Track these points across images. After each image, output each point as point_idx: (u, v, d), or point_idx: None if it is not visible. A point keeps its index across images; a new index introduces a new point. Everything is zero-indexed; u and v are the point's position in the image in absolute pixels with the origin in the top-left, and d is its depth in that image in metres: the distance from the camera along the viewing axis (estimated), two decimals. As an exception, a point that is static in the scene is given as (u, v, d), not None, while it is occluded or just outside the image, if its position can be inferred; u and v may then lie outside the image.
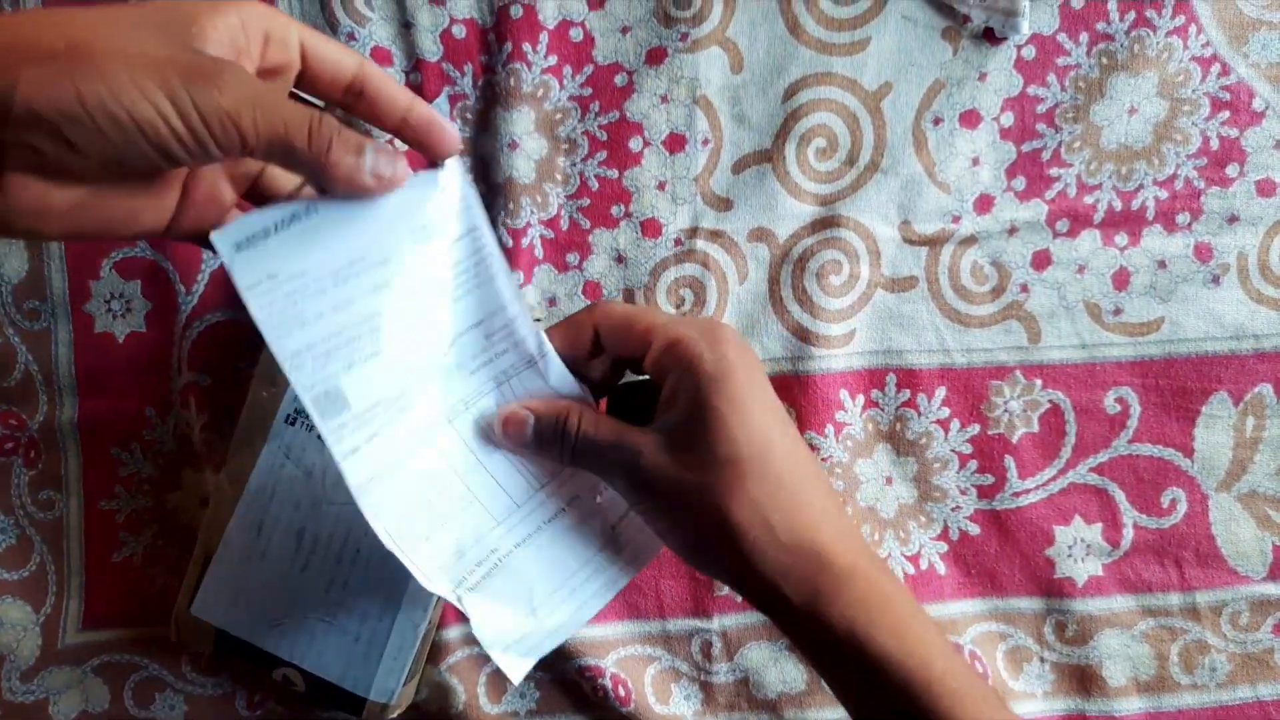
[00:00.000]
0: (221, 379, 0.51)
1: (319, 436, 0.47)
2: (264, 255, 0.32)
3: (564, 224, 0.52)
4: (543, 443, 0.39)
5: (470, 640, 0.52)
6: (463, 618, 0.52)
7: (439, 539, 0.37)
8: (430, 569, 0.37)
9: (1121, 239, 0.53)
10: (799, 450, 0.38)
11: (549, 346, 0.39)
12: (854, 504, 0.53)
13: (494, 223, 0.51)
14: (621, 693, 0.51)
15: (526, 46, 0.50)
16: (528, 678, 0.53)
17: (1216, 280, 0.53)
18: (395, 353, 0.35)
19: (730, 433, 0.36)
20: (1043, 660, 0.54)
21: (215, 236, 0.31)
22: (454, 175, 0.35)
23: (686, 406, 0.36)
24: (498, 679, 0.52)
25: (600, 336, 0.40)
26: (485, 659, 0.52)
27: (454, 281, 0.36)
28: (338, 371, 0.33)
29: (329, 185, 0.32)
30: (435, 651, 0.51)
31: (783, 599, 0.36)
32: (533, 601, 0.38)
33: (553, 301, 0.52)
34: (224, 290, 0.51)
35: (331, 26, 0.50)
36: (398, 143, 0.36)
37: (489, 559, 0.38)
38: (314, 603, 0.47)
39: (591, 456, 0.38)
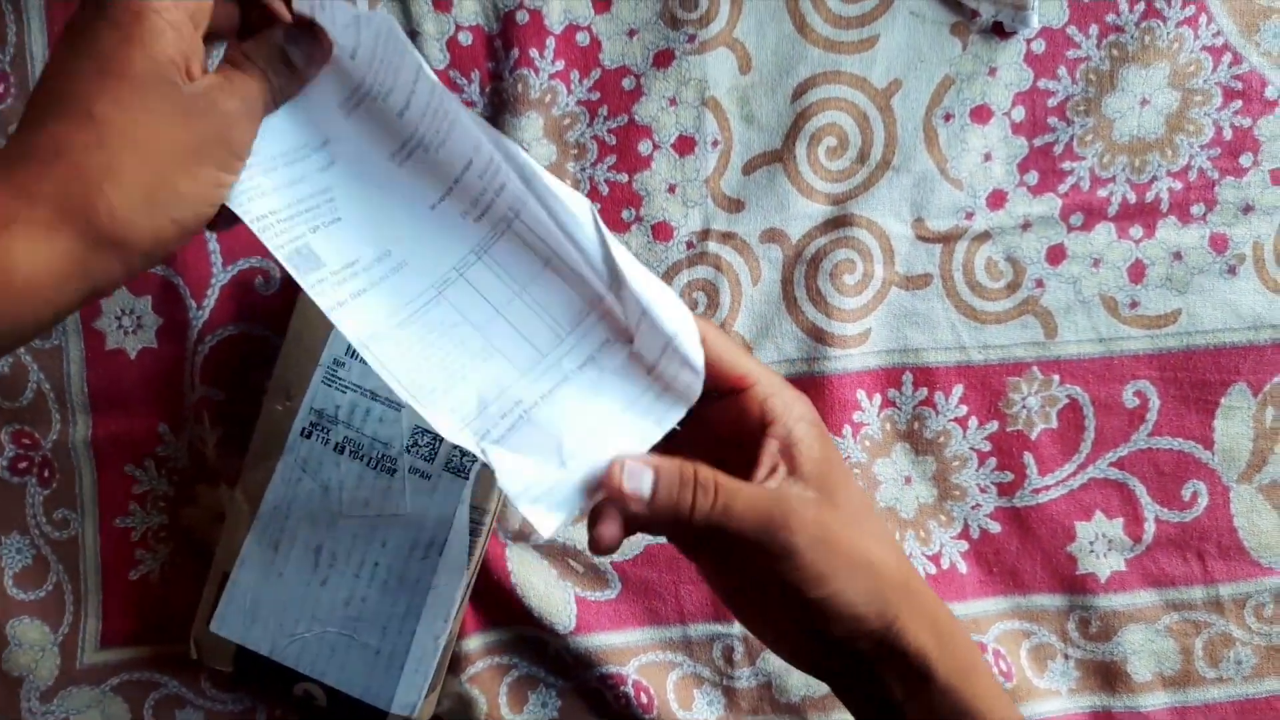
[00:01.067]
0: (235, 393, 0.51)
1: (336, 449, 0.47)
2: None
3: (575, 229, 0.52)
4: (665, 507, 0.34)
5: (490, 650, 0.52)
6: (482, 627, 0.52)
7: (458, 392, 0.36)
8: (451, 422, 0.35)
9: (1136, 231, 0.52)
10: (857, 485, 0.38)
11: (535, 169, 0.36)
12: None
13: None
14: (644, 700, 0.51)
15: (533, 52, 0.50)
16: (548, 686, 0.52)
17: (1233, 271, 0.52)
18: (357, 218, 0.36)
19: (854, 486, 0.36)
20: (1067, 657, 0.53)
21: None
22: (371, 28, 0.34)
23: (813, 458, 0.35)
24: (519, 688, 0.52)
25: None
26: (506, 669, 0.52)
27: (422, 131, 0.36)
28: (304, 232, 0.35)
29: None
30: (455, 662, 0.51)
31: (913, 653, 0.35)
32: (562, 453, 0.36)
33: (565, 307, 0.52)
34: (235, 304, 0.51)
35: (337, 36, 0.49)
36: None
37: (514, 410, 0.36)
38: (333, 617, 0.47)
39: (740, 521, 0.33)
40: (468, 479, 0.47)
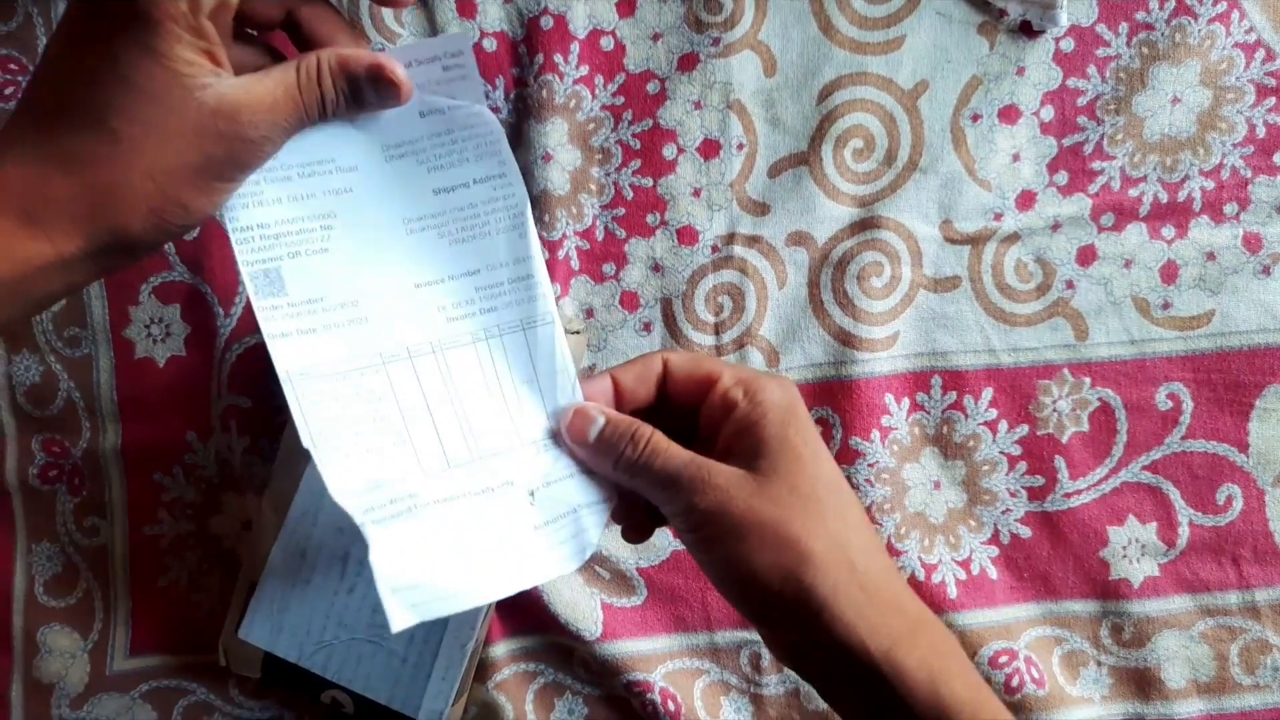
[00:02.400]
0: (262, 401, 0.51)
1: None
2: None
3: (599, 234, 0.52)
4: (604, 448, 0.37)
5: (517, 657, 0.52)
6: (509, 633, 0.51)
7: (360, 462, 0.36)
8: (342, 484, 0.35)
9: (1168, 231, 0.52)
10: (853, 496, 0.38)
11: (550, 320, 0.38)
12: (902, 509, 0.52)
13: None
14: (671, 707, 0.51)
15: (558, 57, 0.50)
16: (574, 693, 0.52)
17: (1267, 271, 0.52)
18: (344, 256, 0.36)
19: (809, 470, 0.36)
20: (1100, 664, 0.52)
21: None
22: (485, 115, 0.37)
23: (763, 440, 0.36)
24: (545, 695, 0.52)
25: (668, 375, 0.39)
26: (533, 676, 0.52)
27: (453, 220, 0.37)
28: (281, 256, 0.35)
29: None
30: (482, 669, 0.51)
31: (855, 646, 0.35)
32: (437, 560, 0.35)
33: (590, 312, 0.52)
34: (261, 311, 0.51)
35: (361, 43, 0.49)
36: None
37: (405, 501, 0.36)
38: (361, 624, 0.47)
39: (653, 475, 0.36)
40: None
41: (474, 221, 0.37)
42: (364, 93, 0.35)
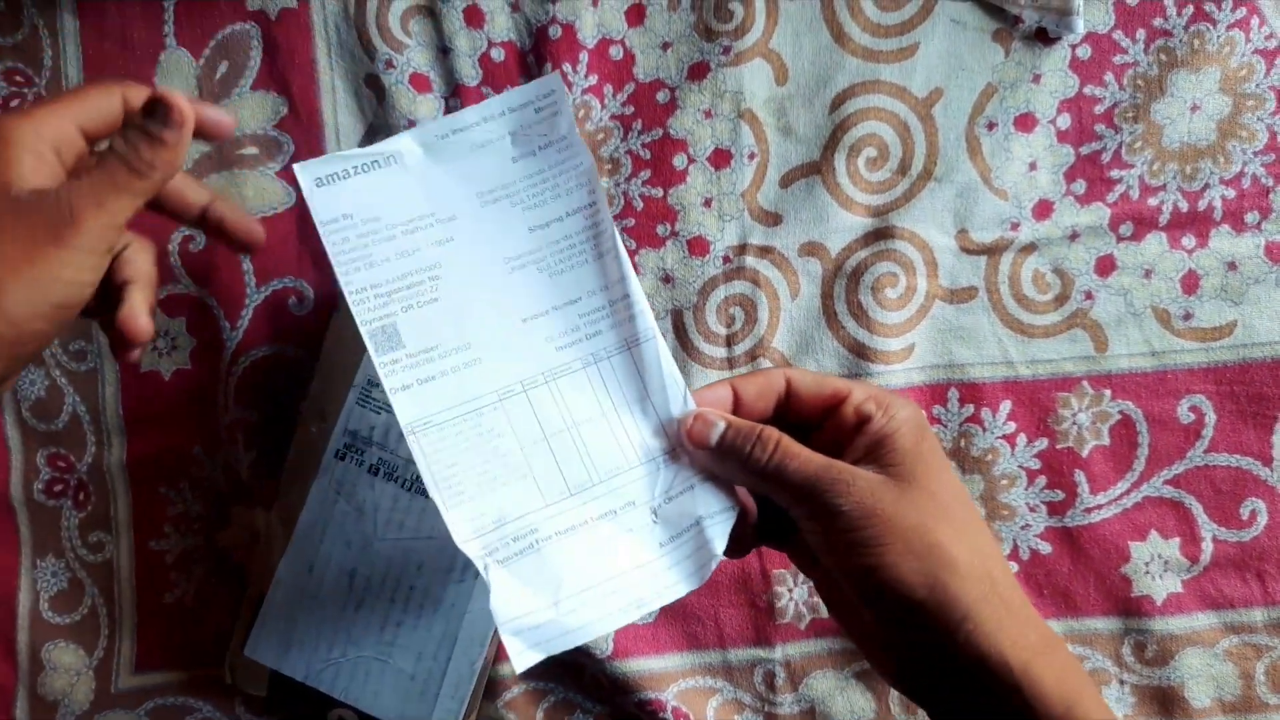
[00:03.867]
0: (269, 414, 0.50)
1: (370, 471, 0.46)
2: (341, 194, 0.36)
3: (609, 245, 0.51)
4: (728, 450, 0.37)
5: (527, 675, 0.51)
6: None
7: (482, 502, 0.37)
8: (465, 530, 0.36)
9: (1189, 241, 0.51)
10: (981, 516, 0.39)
11: (652, 336, 0.39)
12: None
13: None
14: (684, 726, 0.50)
15: (566, 67, 0.49)
16: (585, 712, 0.51)
17: (1290, 280, 0.51)
18: (453, 302, 0.38)
19: (944, 480, 0.36)
20: (1122, 682, 0.51)
21: (298, 168, 0.36)
22: (580, 149, 0.38)
23: (900, 450, 0.36)
24: (556, 714, 0.51)
25: (791, 392, 0.39)
26: (543, 694, 0.51)
27: (551, 254, 0.39)
28: (396, 311, 0.37)
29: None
30: (492, 687, 0.50)
31: (994, 659, 0.34)
32: (559, 594, 0.36)
33: (601, 325, 0.51)
34: (268, 324, 0.50)
35: (368, 54, 0.49)
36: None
37: (527, 537, 0.37)
38: (368, 641, 0.46)
39: (788, 478, 0.35)
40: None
41: (570, 252, 0.39)
42: (150, 126, 0.35)
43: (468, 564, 0.45)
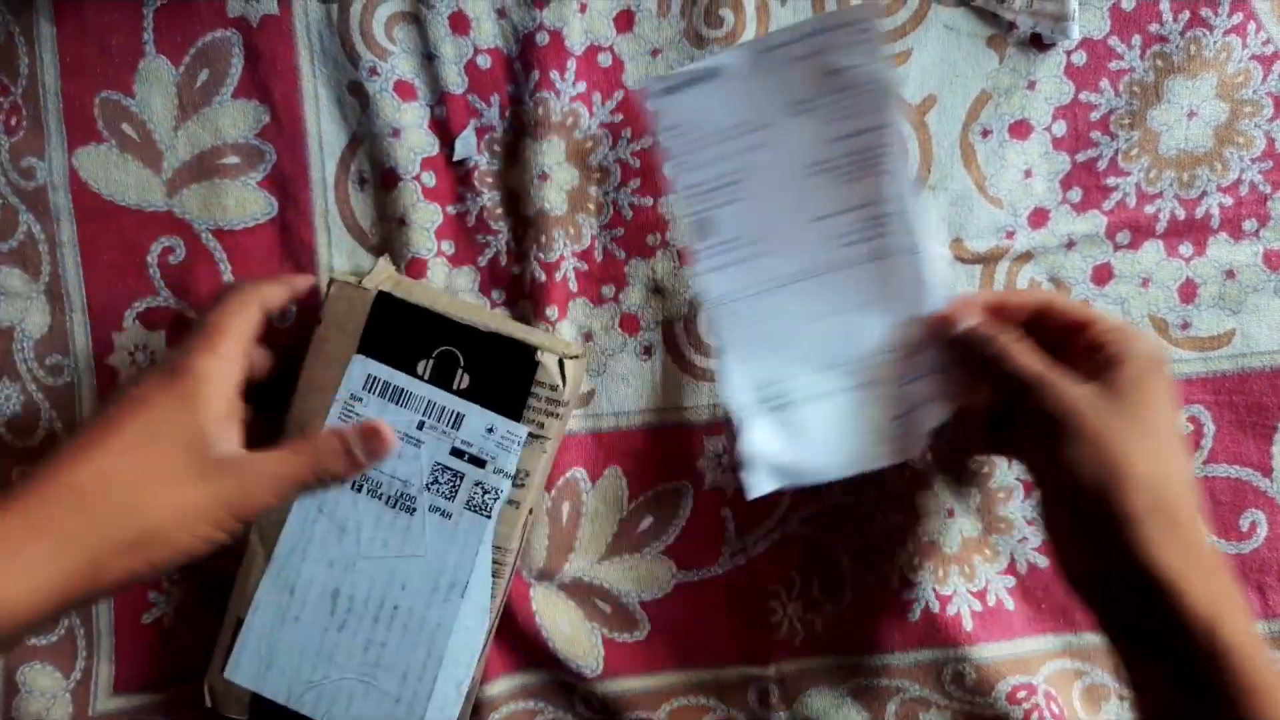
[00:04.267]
0: (249, 430, 0.49)
1: (353, 488, 0.45)
2: (678, 104, 0.44)
3: (598, 255, 0.50)
4: (976, 340, 0.41)
5: (515, 695, 0.50)
6: (507, 670, 0.50)
7: (756, 364, 0.45)
8: (739, 382, 0.45)
9: (1186, 249, 0.50)
10: (1189, 463, 0.42)
11: (922, 248, 0.44)
12: (915, 539, 0.50)
13: (526, 256, 0.49)
14: (676, 746, 0.49)
15: (554, 74, 0.48)
16: (576, 731, 0.50)
17: (1289, 288, 0.50)
18: (757, 200, 0.44)
19: (1155, 413, 0.38)
20: (1122, 698, 0.50)
21: (650, 82, 0.44)
22: (883, 79, 0.43)
23: (1124, 375, 0.38)
24: (545, 734, 0.50)
25: (1050, 310, 0.43)
26: (532, 714, 0.50)
27: (846, 163, 0.44)
28: (712, 206, 0.44)
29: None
30: (479, 708, 0.49)
31: (1177, 606, 0.36)
32: (800, 443, 0.44)
33: (589, 336, 0.50)
34: (250, 337, 0.49)
35: (352, 61, 0.48)
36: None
37: (785, 396, 0.45)
38: (352, 663, 0.45)
39: (1017, 368, 0.39)
40: (490, 518, 0.45)
41: (862, 164, 0.44)
42: (357, 454, 0.42)
43: (453, 582, 0.45)
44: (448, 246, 0.50)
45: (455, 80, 0.49)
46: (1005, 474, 0.50)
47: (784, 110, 0.44)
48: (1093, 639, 0.51)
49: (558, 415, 0.45)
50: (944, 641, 0.50)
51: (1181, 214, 0.50)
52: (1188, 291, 0.50)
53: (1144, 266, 0.50)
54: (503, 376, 0.44)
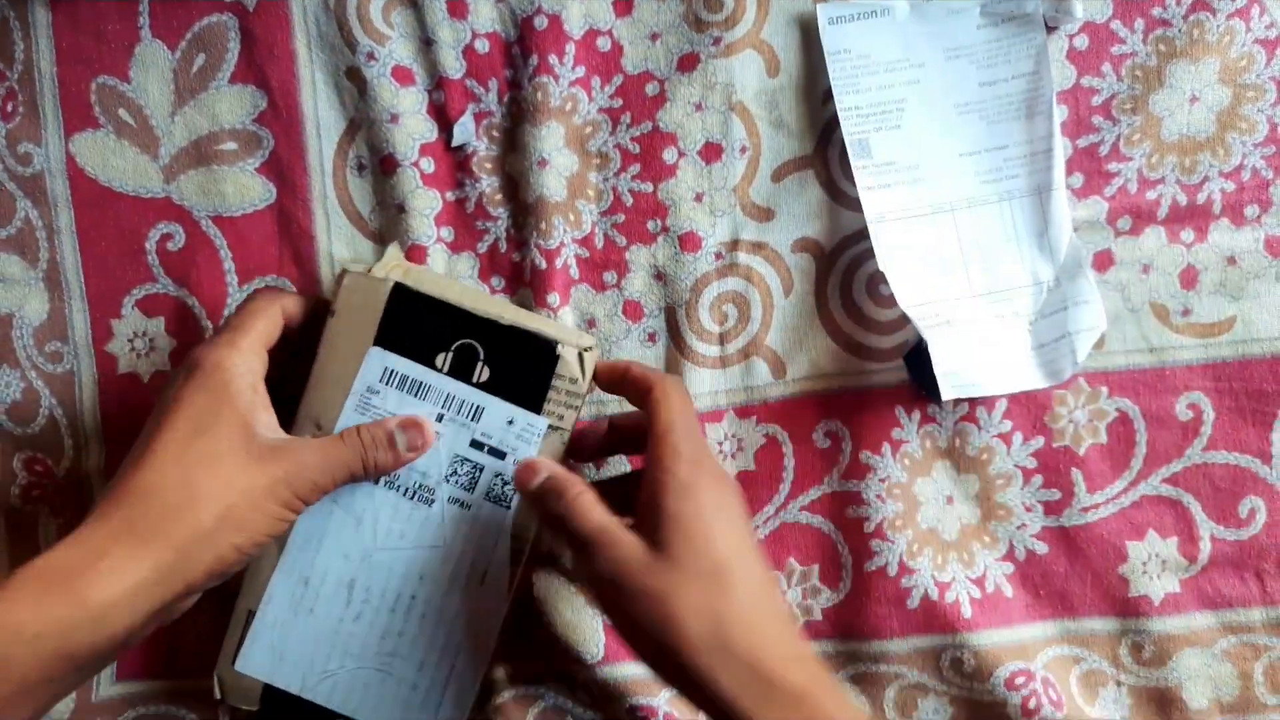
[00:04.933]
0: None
1: (373, 480, 0.44)
2: (844, 33, 0.48)
3: (599, 242, 0.50)
4: (537, 498, 0.41)
5: (516, 680, 0.50)
6: (509, 656, 0.50)
7: (914, 284, 0.48)
8: (905, 296, 0.47)
9: (1187, 235, 0.50)
10: (758, 566, 0.40)
11: (1060, 187, 0.48)
12: (914, 526, 0.50)
13: (526, 243, 0.49)
14: (676, 731, 0.49)
15: (553, 58, 0.48)
16: (575, 717, 0.51)
17: (1290, 275, 0.50)
18: (911, 131, 0.48)
19: (702, 546, 0.38)
20: (1119, 684, 0.51)
21: (821, 8, 0.48)
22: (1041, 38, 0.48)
23: (662, 513, 0.38)
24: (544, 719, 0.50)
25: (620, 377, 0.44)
26: (533, 699, 0.50)
27: (993, 106, 0.48)
28: (870, 130, 0.48)
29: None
30: (481, 693, 0.49)
31: (737, 715, 0.36)
32: (965, 359, 0.47)
33: (592, 322, 0.50)
34: (249, 324, 0.49)
35: (350, 46, 0.48)
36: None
37: (944, 315, 0.48)
38: (368, 652, 0.44)
39: (569, 532, 0.40)
40: (509, 508, 0.44)
41: (1008, 107, 0.48)
42: (400, 446, 0.43)
43: (471, 572, 0.44)
44: (447, 233, 0.49)
45: (453, 65, 0.48)
46: (1004, 461, 0.50)
47: (940, 54, 0.48)
48: (1090, 625, 0.51)
49: (576, 407, 0.44)
50: (943, 628, 0.50)
51: (1183, 200, 0.50)
52: (1189, 278, 0.50)
53: (1145, 253, 0.50)
54: (523, 369, 0.43)
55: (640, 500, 0.40)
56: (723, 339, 0.50)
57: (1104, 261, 0.50)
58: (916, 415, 0.50)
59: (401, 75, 0.48)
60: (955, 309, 0.48)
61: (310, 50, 0.48)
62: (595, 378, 0.44)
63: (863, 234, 0.49)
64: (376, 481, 0.44)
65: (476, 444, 0.44)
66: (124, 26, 0.48)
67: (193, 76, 0.48)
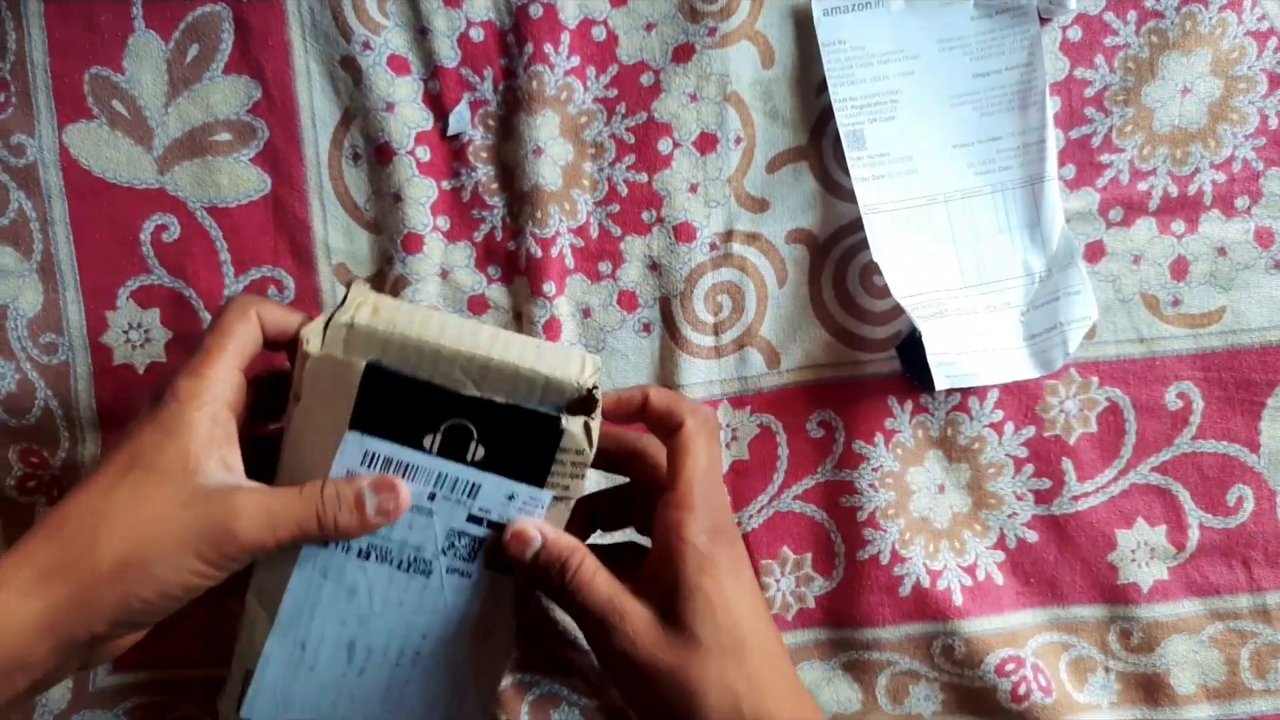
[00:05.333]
0: (252, 406, 0.49)
1: (360, 555, 0.40)
2: (839, 24, 0.48)
3: (594, 231, 0.50)
4: (535, 571, 0.39)
5: (513, 667, 0.50)
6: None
7: (907, 273, 0.48)
8: (899, 287, 0.48)
9: (1178, 226, 0.50)
10: (770, 632, 0.39)
11: (1052, 178, 0.48)
12: (906, 515, 0.51)
13: (521, 232, 0.49)
14: (671, 717, 0.50)
15: (548, 47, 0.48)
16: (571, 705, 0.51)
17: (1279, 266, 0.50)
18: (905, 122, 0.48)
19: (718, 618, 0.37)
20: (1108, 670, 0.51)
21: (815, 2, 0.48)
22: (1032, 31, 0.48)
23: (679, 584, 0.37)
24: (541, 707, 0.51)
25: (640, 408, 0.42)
26: (528, 687, 0.51)
27: (986, 98, 0.49)
28: (864, 121, 0.48)
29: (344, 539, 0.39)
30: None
31: None
32: (958, 349, 0.47)
33: (587, 312, 0.50)
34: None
35: (345, 35, 0.48)
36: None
37: (936, 306, 0.48)
38: (374, 699, 0.42)
39: (575, 606, 0.38)
40: (513, 574, 0.41)
41: (1002, 99, 0.49)
42: (369, 511, 0.38)
43: (475, 627, 0.42)
44: (443, 222, 0.49)
45: (448, 54, 0.48)
46: (995, 450, 0.51)
47: (934, 45, 0.48)
48: (1080, 612, 0.51)
49: (581, 476, 0.39)
50: (934, 616, 0.50)
51: (1174, 191, 0.50)
52: (1179, 269, 0.50)
53: (1136, 244, 0.50)
54: (523, 445, 0.38)
55: (652, 563, 0.38)
56: (717, 329, 0.50)
57: (1095, 252, 0.50)
58: (909, 405, 0.50)
59: (397, 64, 0.48)
60: (948, 299, 0.48)
61: (305, 40, 0.48)
62: (604, 412, 0.40)
63: (857, 225, 0.49)
64: (366, 556, 0.40)
65: (474, 519, 0.40)
66: (117, 17, 0.48)
67: (186, 67, 0.48)
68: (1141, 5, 0.49)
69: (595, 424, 0.39)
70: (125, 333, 0.49)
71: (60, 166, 0.48)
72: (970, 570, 0.51)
